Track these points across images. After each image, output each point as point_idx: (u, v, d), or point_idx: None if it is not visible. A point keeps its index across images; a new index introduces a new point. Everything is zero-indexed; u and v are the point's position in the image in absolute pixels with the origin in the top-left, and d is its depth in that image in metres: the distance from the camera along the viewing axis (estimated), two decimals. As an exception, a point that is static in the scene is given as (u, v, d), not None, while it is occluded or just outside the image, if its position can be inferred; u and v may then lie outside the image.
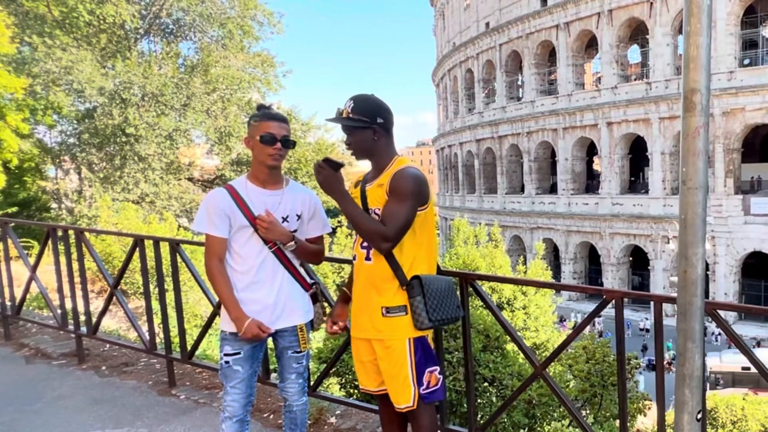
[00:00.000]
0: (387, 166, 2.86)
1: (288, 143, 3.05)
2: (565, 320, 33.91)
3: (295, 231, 3.14)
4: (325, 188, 2.81)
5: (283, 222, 3.09)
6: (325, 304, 3.43)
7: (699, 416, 2.55)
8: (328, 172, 2.80)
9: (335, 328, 3.20)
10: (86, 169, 21.50)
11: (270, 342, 3.29)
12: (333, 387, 9.12)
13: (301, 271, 3.26)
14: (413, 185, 2.75)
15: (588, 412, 10.15)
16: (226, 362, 3.07)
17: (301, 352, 3.22)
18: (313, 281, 3.33)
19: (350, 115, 2.80)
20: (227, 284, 3.03)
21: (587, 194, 44.99)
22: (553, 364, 9.29)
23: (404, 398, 2.87)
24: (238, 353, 3.07)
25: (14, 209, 16.92)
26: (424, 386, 2.89)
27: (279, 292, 3.10)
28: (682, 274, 2.45)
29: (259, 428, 4.29)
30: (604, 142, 41.80)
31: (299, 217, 3.17)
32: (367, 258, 2.88)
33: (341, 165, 2.83)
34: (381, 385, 3.02)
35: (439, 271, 3.06)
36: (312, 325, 3.31)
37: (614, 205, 41.87)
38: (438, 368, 2.98)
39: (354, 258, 2.99)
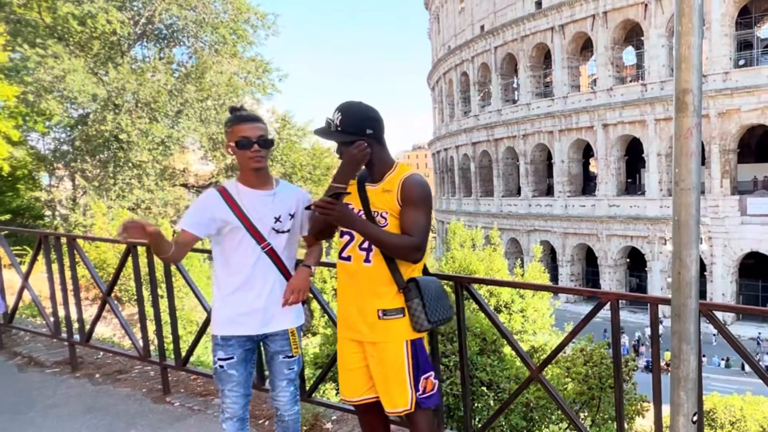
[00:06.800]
0: (389, 170, 2.84)
1: (266, 143, 2.98)
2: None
3: (288, 230, 3.09)
4: (343, 223, 2.73)
5: (275, 222, 3.05)
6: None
7: (695, 418, 2.53)
8: (340, 206, 2.67)
9: None
10: (80, 177, 21.42)
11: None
12: (329, 392, 9.10)
13: (293, 273, 3.19)
14: (424, 192, 2.80)
15: (586, 414, 10.13)
16: (221, 366, 3.03)
17: (292, 357, 3.16)
18: None
19: (339, 129, 2.73)
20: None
21: (584, 196, 45.08)
22: (550, 367, 9.29)
23: (402, 401, 2.82)
24: (231, 357, 3.03)
25: (7, 217, 16.85)
26: (420, 391, 2.85)
27: (270, 295, 3.05)
28: (677, 276, 2.43)
29: (253, 435, 4.26)
30: (600, 143, 41.90)
31: (292, 216, 3.12)
32: (367, 260, 2.81)
33: (345, 194, 2.75)
34: (365, 393, 2.97)
35: (425, 272, 3.02)
36: (301, 329, 3.26)
37: (611, 206, 41.94)
38: (433, 373, 2.94)
39: (348, 259, 2.88)
